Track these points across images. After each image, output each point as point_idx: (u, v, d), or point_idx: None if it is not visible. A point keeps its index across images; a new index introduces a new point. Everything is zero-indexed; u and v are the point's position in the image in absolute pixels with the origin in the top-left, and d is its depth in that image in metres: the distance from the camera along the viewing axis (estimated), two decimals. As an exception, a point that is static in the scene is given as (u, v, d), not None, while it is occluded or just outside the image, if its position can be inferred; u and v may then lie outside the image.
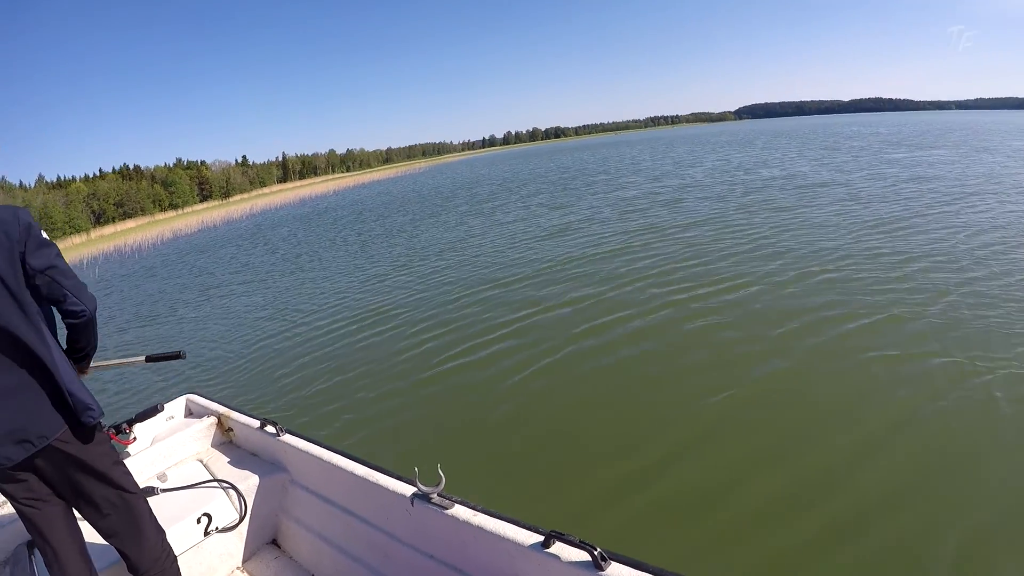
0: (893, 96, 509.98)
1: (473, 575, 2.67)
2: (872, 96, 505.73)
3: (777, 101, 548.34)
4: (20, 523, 2.94)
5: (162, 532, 3.02)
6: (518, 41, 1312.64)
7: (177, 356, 3.55)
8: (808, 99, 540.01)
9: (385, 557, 3.18)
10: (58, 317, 2.69)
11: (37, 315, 2.55)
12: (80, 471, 2.67)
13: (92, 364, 3.20)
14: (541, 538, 2.31)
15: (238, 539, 3.87)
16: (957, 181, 19.75)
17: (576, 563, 2.16)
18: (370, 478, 3.13)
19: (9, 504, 3.25)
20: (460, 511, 2.63)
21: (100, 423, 2.76)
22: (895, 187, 19.53)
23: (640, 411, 6.47)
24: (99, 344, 2.91)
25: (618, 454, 5.68)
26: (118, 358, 3.46)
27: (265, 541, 4.04)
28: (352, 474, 3.25)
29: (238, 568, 3.85)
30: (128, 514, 2.84)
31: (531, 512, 3.52)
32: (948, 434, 5.47)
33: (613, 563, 2.10)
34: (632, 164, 48.10)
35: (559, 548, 2.25)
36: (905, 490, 4.80)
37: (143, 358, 3.59)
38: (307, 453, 3.65)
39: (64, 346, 2.78)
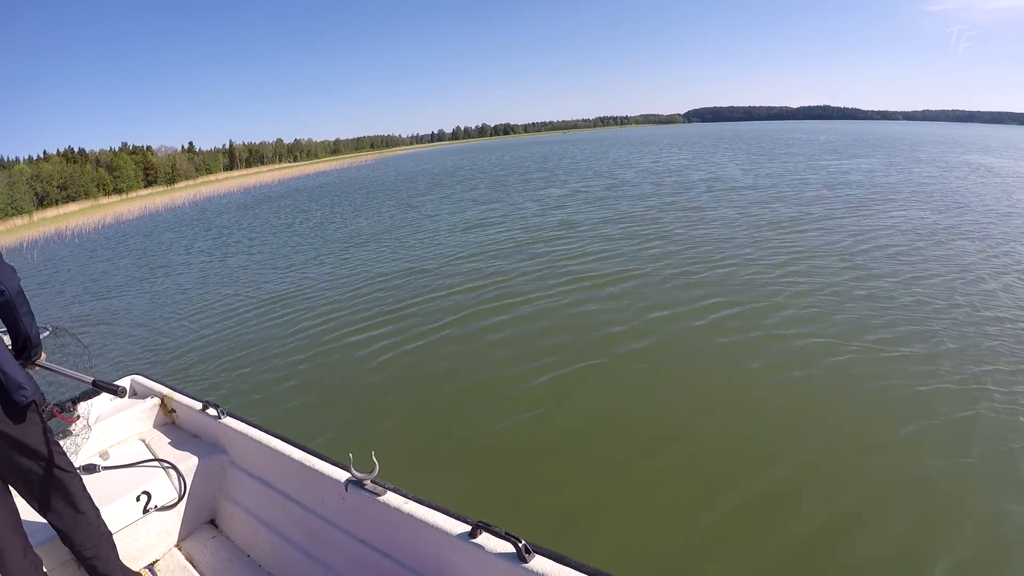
0: (841, 105, 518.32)
1: (402, 561, 2.74)
2: (820, 104, 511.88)
3: (727, 105, 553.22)
4: None
5: (97, 510, 3.14)
6: (469, 36, 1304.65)
7: (116, 391, 3.53)
8: (758, 104, 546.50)
9: (319, 540, 3.25)
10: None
11: None
12: (13, 449, 2.77)
13: (42, 363, 3.32)
14: (468, 528, 2.40)
15: (176, 518, 3.93)
16: (873, 189, 21.19)
17: (501, 554, 2.25)
18: (306, 462, 3.21)
19: None
20: (392, 498, 2.70)
21: (36, 402, 2.86)
22: (811, 192, 20.92)
23: (576, 410, 6.64)
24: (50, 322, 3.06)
25: (552, 449, 5.86)
26: (69, 368, 3.46)
27: (203, 521, 4.09)
28: (289, 458, 3.32)
29: (175, 546, 3.92)
30: (62, 491, 2.96)
31: (460, 502, 3.53)
32: (807, 398, 6.45)
33: (536, 556, 2.19)
34: (571, 163, 49.18)
35: (485, 539, 2.34)
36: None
37: (91, 380, 3.51)
38: (246, 436, 3.72)
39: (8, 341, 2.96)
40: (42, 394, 2.90)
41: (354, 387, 7.79)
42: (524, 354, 8.12)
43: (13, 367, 2.74)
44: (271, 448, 3.47)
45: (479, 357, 8.25)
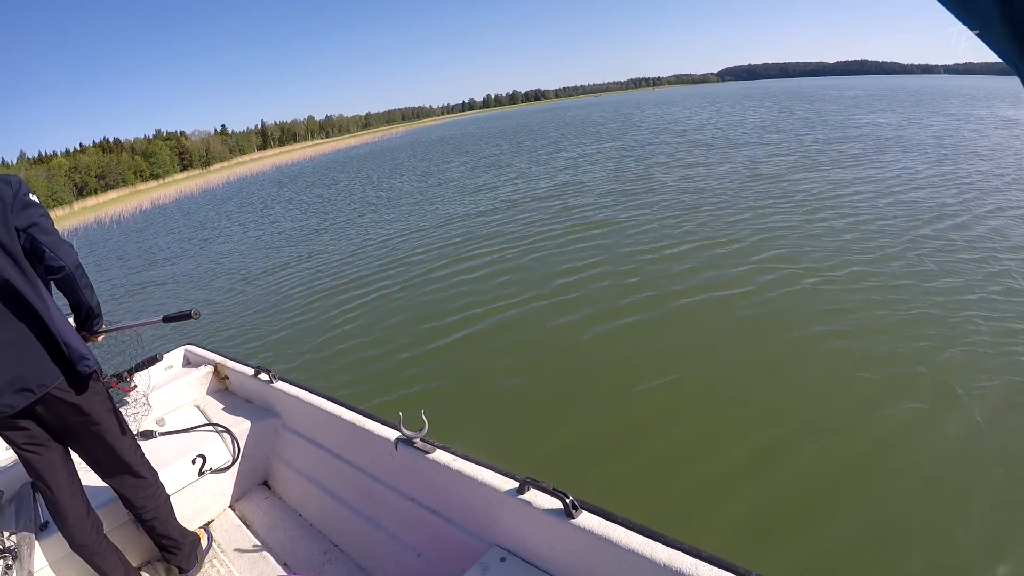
0: (880, 59, 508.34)
1: (451, 517, 2.76)
2: (858, 59, 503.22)
3: (761, 63, 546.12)
4: (22, 466, 3.07)
5: (155, 473, 3.25)
6: (498, 2, 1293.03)
7: (189, 316, 3.58)
8: (794, 60, 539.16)
9: (369, 499, 3.28)
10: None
11: (33, 273, 2.72)
12: (77, 417, 2.85)
13: (107, 328, 3.37)
14: (516, 484, 2.39)
15: (230, 480, 4.05)
16: (876, 142, 21.10)
17: (549, 510, 2.24)
18: (357, 422, 3.22)
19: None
20: (441, 456, 2.70)
21: (96, 372, 2.90)
22: (814, 147, 20.96)
23: (621, 368, 6.41)
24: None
25: (599, 410, 5.72)
26: (134, 320, 3.51)
27: (256, 482, 4.21)
28: (340, 419, 3.34)
29: (229, 507, 4.05)
30: (122, 457, 3.05)
31: (509, 460, 3.40)
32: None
33: (584, 512, 2.17)
34: (596, 125, 49.08)
35: (533, 495, 2.33)
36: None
37: (160, 318, 3.64)
38: (298, 399, 3.77)
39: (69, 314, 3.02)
40: (99, 365, 2.95)
41: (401, 348, 7.75)
42: (572, 317, 7.90)
43: (76, 339, 2.82)
44: (322, 410, 3.52)
45: (528, 319, 8.08)
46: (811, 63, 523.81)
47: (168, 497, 3.30)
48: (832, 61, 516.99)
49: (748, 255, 9.21)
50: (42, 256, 2.69)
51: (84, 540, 2.99)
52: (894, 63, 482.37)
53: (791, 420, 5.22)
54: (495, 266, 10.74)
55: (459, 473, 2.59)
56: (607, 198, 15.21)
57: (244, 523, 3.91)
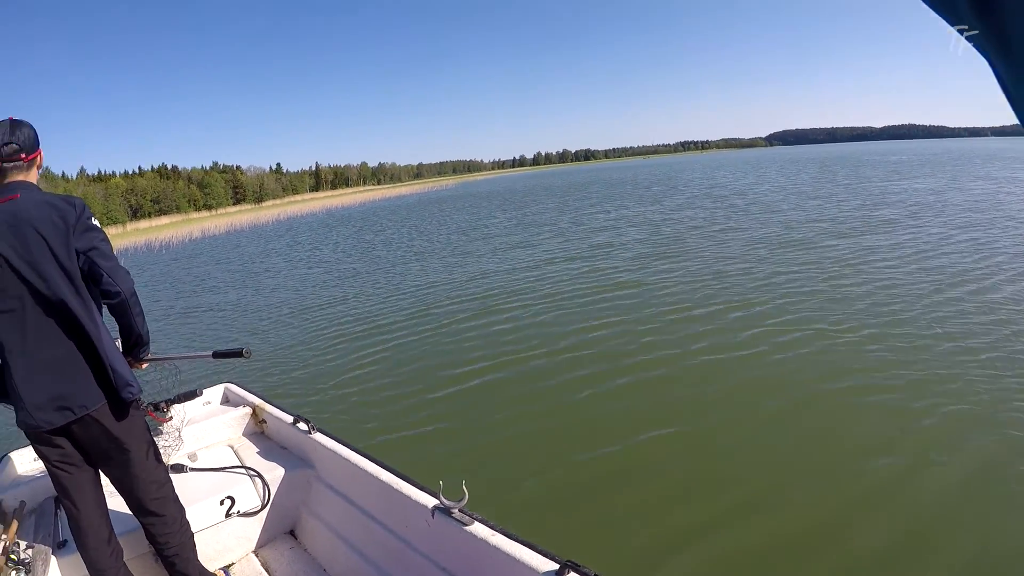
0: (927, 123, 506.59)
1: None
2: (905, 123, 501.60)
3: (809, 127, 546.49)
4: (50, 480, 3.07)
5: (182, 509, 3.23)
6: (552, 62, 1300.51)
7: (240, 354, 3.50)
8: (841, 125, 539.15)
9: (399, 563, 3.21)
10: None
11: (88, 295, 2.78)
12: (113, 442, 2.88)
13: (153, 356, 3.38)
14: (556, 567, 2.30)
15: (256, 525, 4.00)
16: (912, 207, 21.29)
17: None
18: (394, 485, 3.17)
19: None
20: (479, 529, 2.62)
21: (138, 400, 2.97)
22: (850, 213, 21.04)
23: (674, 447, 6.09)
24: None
25: (651, 491, 5.41)
26: (183, 352, 3.49)
27: (283, 531, 4.14)
28: (377, 479, 3.30)
29: (252, 552, 3.99)
30: (152, 488, 3.06)
31: (549, 539, 3.05)
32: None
33: None
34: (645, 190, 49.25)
35: None
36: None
37: (210, 354, 3.58)
38: (335, 453, 3.73)
39: (118, 339, 3.04)
40: (142, 393, 3.03)
41: (446, 412, 7.38)
42: (626, 392, 7.37)
43: (123, 364, 2.87)
44: (358, 467, 3.48)
45: (581, 390, 7.51)
46: (858, 127, 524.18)
47: (192, 535, 3.30)
48: (879, 125, 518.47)
49: (766, 318, 9.44)
50: (99, 280, 2.77)
51: (103, 565, 3.04)
52: (941, 127, 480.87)
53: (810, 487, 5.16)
54: (545, 330, 10.24)
55: (497, 549, 2.53)
56: (638, 260, 15.46)
57: (266, 570, 3.88)
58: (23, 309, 2.67)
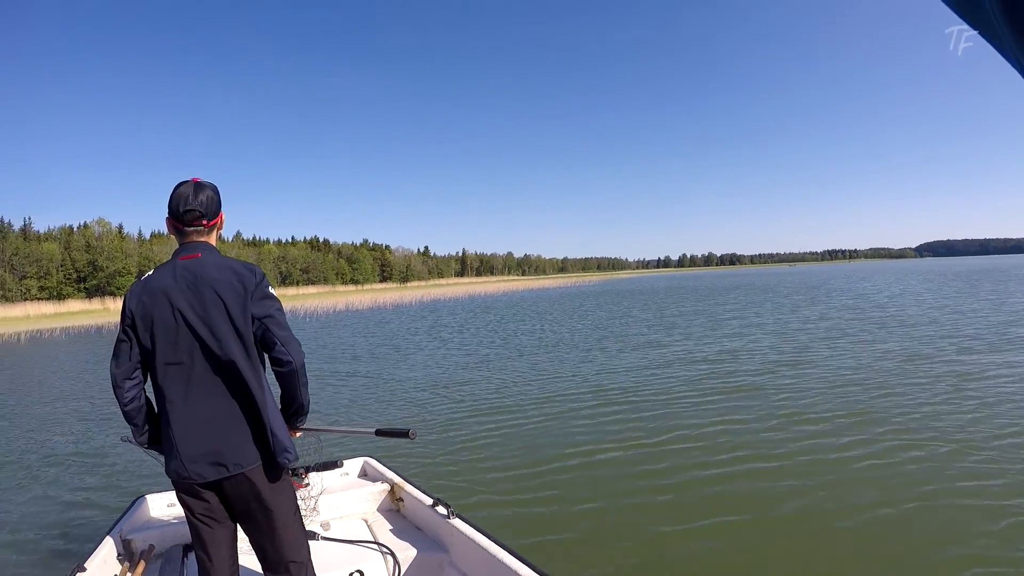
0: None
1: None
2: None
3: (961, 238, 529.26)
4: (185, 528, 3.09)
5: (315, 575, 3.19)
6: (698, 164, 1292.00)
7: (405, 435, 3.43)
8: (994, 236, 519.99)
9: None
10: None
11: (258, 359, 2.90)
12: (260, 505, 2.91)
13: (313, 426, 3.46)
14: None
15: None
16: None
17: None
18: None
19: (178, 507, 3.41)
20: None
21: (289, 468, 3.04)
22: (983, 328, 20.07)
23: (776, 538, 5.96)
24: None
25: None
26: (345, 426, 3.35)
27: None
28: (516, 573, 3.19)
29: None
30: (291, 550, 3.04)
31: None
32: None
33: None
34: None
35: None
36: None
37: (372, 430, 3.53)
38: (474, 541, 3.61)
39: (279, 404, 3.07)
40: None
41: (591, 509, 6.95)
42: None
43: (283, 430, 2.93)
44: (498, 560, 3.35)
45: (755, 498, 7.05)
46: (1012, 239, 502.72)
47: None
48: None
49: (869, 427, 9.41)
50: (272, 348, 2.89)
51: None
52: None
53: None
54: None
55: None
56: (763, 367, 15.48)
57: None
58: (191, 364, 2.80)
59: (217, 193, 3.00)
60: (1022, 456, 7.82)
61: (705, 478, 7.61)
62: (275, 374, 2.96)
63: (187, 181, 2.95)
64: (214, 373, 2.81)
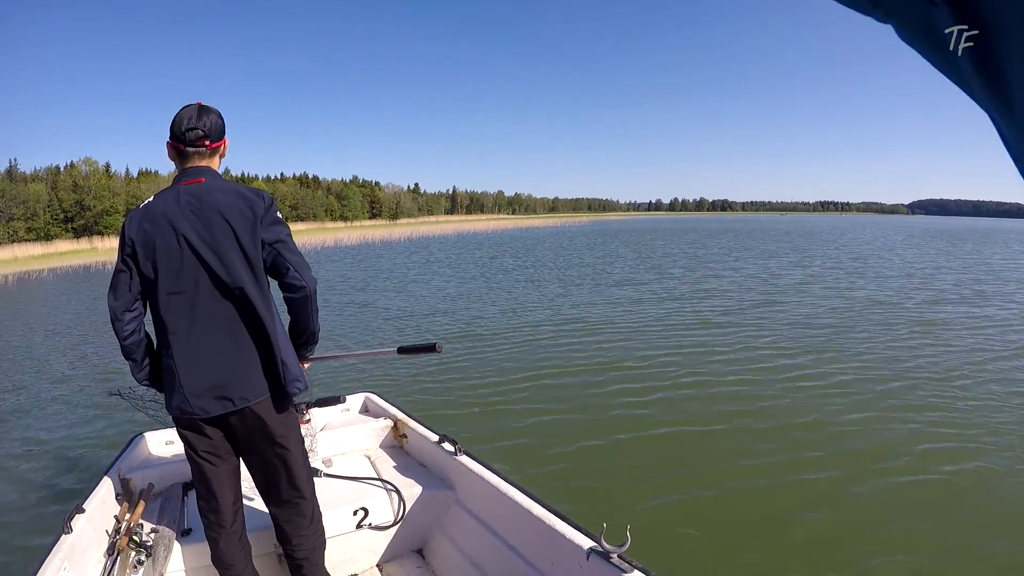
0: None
1: None
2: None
3: (954, 198, 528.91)
4: (185, 466, 3.10)
5: (320, 513, 3.14)
6: (693, 110, 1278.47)
7: (432, 349, 3.31)
8: (987, 199, 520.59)
9: None
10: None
11: (267, 286, 2.77)
12: (266, 439, 2.83)
13: (319, 355, 3.37)
14: None
15: (385, 539, 3.92)
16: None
17: None
18: (547, 520, 3.00)
19: (177, 445, 3.43)
20: None
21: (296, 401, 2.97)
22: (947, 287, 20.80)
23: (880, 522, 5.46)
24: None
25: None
26: (365, 349, 3.03)
27: (411, 549, 4.04)
28: (528, 511, 3.13)
29: (376, 566, 3.92)
30: (295, 489, 2.97)
31: None
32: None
33: None
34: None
35: None
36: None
37: (394, 350, 3.41)
38: (481, 478, 3.58)
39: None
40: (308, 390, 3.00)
41: (613, 448, 6.99)
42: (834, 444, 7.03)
43: (293, 359, 2.85)
44: (508, 497, 3.31)
45: (778, 438, 7.18)
46: (1006, 203, 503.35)
47: (326, 542, 3.20)
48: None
49: (828, 361, 10.33)
50: (285, 273, 2.74)
51: (231, 559, 3.01)
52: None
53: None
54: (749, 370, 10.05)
55: None
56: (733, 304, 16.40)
57: None
58: (196, 293, 2.66)
59: (221, 118, 2.84)
60: (959, 387, 8.77)
61: (676, 398, 8.61)
62: (286, 301, 2.84)
63: (191, 104, 2.80)
64: (221, 301, 2.69)
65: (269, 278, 2.79)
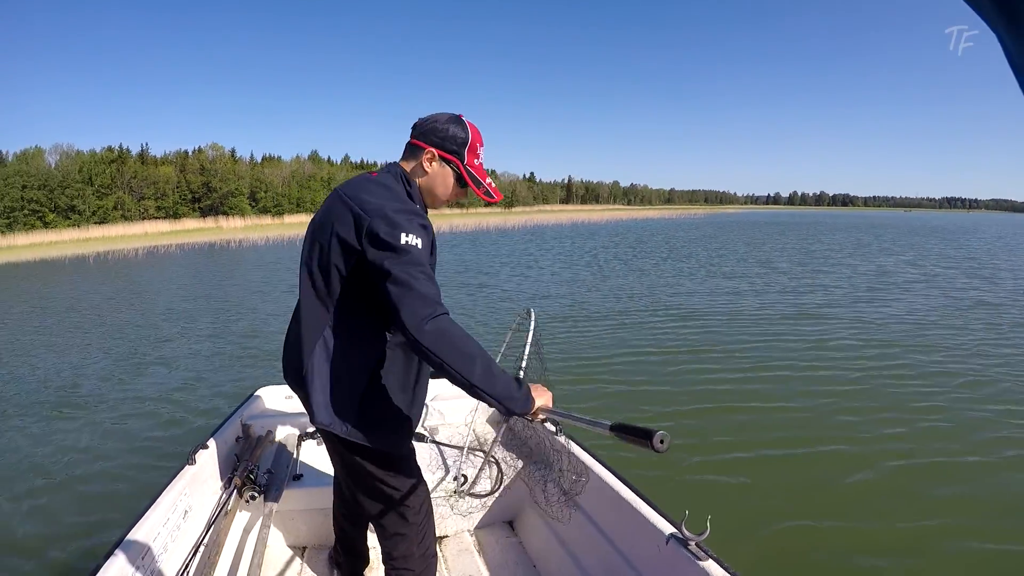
0: None
1: None
2: None
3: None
4: (300, 419, 3.32)
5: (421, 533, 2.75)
6: (820, 100, 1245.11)
7: (648, 437, 2.07)
8: None
9: None
10: None
11: (348, 312, 2.42)
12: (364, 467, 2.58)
13: (550, 413, 2.56)
14: None
15: (481, 507, 4.04)
16: None
17: None
18: (631, 502, 3.04)
19: (293, 400, 3.68)
20: (712, 567, 2.41)
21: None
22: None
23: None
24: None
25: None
26: (580, 417, 2.47)
27: (503, 519, 4.16)
28: (617, 494, 3.17)
29: (468, 531, 4.05)
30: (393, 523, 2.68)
31: None
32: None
33: None
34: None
35: None
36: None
37: (607, 426, 2.32)
38: (579, 459, 3.61)
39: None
40: None
41: (706, 437, 6.94)
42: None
43: (329, 402, 2.47)
44: (599, 478, 3.37)
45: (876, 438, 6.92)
46: None
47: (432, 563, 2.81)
48: None
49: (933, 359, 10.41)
50: (388, 312, 2.34)
51: (343, 523, 3.24)
52: None
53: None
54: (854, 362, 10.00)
55: None
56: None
57: (478, 551, 3.91)
58: (300, 284, 2.50)
59: (461, 130, 2.44)
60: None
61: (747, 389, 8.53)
62: None
63: (451, 113, 2.50)
64: (303, 304, 2.48)
65: None
